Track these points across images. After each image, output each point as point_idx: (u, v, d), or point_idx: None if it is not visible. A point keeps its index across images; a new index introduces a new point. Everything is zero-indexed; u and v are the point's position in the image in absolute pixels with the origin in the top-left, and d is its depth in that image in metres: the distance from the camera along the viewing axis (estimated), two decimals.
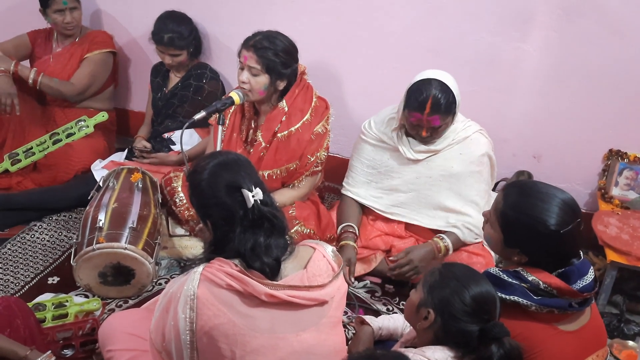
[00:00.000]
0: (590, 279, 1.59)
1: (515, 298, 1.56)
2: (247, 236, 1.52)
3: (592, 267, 1.63)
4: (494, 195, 2.55)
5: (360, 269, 2.49)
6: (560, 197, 1.59)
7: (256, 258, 1.51)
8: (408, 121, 2.32)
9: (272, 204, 1.59)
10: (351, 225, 2.47)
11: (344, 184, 2.63)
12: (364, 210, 2.58)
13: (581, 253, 1.65)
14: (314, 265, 1.58)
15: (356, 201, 2.56)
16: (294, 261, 1.58)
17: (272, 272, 1.52)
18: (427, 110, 2.23)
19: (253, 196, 1.52)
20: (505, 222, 1.62)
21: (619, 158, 2.71)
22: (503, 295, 1.56)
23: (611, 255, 2.40)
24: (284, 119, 2.43)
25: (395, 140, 2.43)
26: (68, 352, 2.06)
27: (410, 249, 2.39)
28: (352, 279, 2.43)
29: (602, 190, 2.75)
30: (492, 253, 2.37)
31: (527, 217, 1.57)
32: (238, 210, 1.52)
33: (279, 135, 2.44)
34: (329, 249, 1.65)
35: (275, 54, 2.31)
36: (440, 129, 2.31)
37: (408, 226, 2.54)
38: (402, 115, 2.34)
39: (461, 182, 2.41)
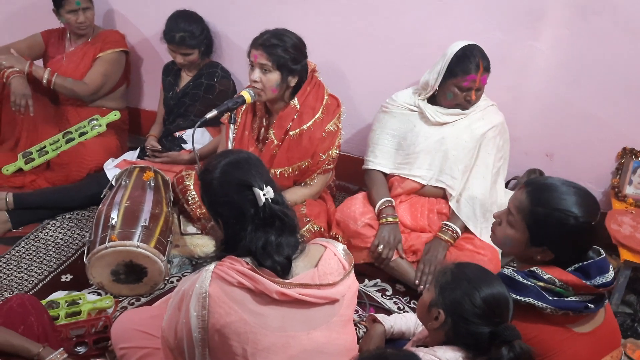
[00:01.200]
0: (610, 278, 1.57)
1: (530, 300, 1.54)
2: (259, 234, 1.52)
3: (612, 265, 1.62)
4: (508, 193, 2.56)
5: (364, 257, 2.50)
6: (580, 188, 1.60)
7: (267, 256, 1.52)
8: (458, 86, 2.44)
9: (283, 202, 1.60)
10: (390, 200, 2.50)
11: (368, 158, 2.64)
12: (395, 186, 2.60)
13: (600, 250, 1.64)
14: (325, 264, 1.58)
15: (382, 173, 2.60)
16: (305, 259, 1.59)
17: (283, 271, 1.53)
18: (480, 69, 2.40)
19: (264, 195, 1.52)
20: (532, 220, 1.60)
21: (633, 156, 2.68)
22: (517, 297, 1.55)
23: (625, 255, 2.38)
24: (295, 116, 2.43)
25: (422, 107, 2.52)
26: (81, 350, 2.07)
27: (427, 256, 2.42)
28: (404, 255, 2.47)
29: (616, 189, 2.72)
30: (497, 248, 2.37)
31: (557, 211, 1.55)
32: (249, 209, 1.53)
33: (290, 133, 2.44)
34: (340, 247, 1.65)
35: (284, 50, 2.32)
36: (482, 92, 2.47)
37: (430, 212, 2.54)
38: (442, 85, 2.47)
39: (483, 145, 2.50)
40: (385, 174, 2.61)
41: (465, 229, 2.48)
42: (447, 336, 1.53)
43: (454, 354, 1.49)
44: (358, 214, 2.49)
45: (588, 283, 1.54)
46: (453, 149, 2.49)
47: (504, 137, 2.56)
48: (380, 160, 2.60)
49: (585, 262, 1.58)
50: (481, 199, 2.47)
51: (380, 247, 2.42)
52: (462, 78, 2.41)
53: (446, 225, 2.46)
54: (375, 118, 2.66)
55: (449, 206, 2.51)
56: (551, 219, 1.57)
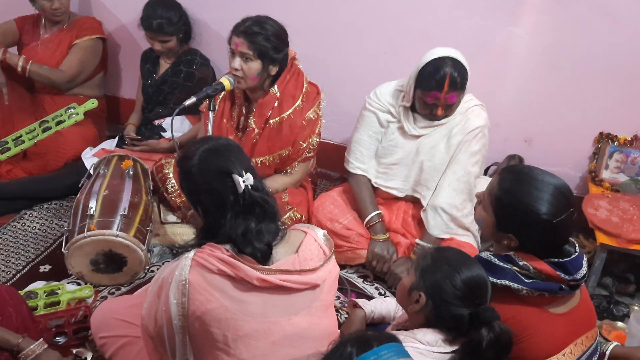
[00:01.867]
0: (583, 273, 1.60)
1: (506, 282, 1.57)
2: (239, 222, 1.51)
3: (585, 259, 1.63)
4: (486, 179, 2.58)
5: (346, 258, 2.50)
6: (555, 184, 1.58)
7: (247, 243, 1.51)
8: (422, 101, 2.32)
9: (263, 189, 1.58)
10: (379, 214, 2.46)
11: (350, 159, 2.56)
12: None
13: (576, 245, 1.65)
14: (306, 250, 1.58)
15: (367, 179, 2.53)
16: (285, 246, 1.59)
17: (263, 257, 1.53)
18: (445, 88, 2.24)
19: (244, 181, 1.51)
20: (498, 207, 1.62)
21: (610, 141, 2.72)
22: (494, 280, 1.57)
23: (601, 238, 2.42)
24: (276, 104, 2.42)
25: (402, 116, 2.43)
26: (61, 340, 2.06)
27: (393, 266, 2.41)
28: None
29: (593, 174, 2.76)
30: (477, 247, 2.41)
31: (520, 204, 1.57)
32: (229, 196, 1.52)
33: (270, 121, 2.43)
34: (320, 232, 1.66)
35: (266, 39, 2.30)
36: (454, 105, 2.33)
37: (406, 214, 2.53)
38: (412, 95, 2.34)
39: (455, 153, 2.39)
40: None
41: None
42: (427, 319, 1.55)
43: (434, 336, 1.51)
44: (337, 214, 2.49)
45: (562, 276, 1.56)
46: (428, 160, 2.42)
47: (480, 141, 2.42)
48: (364, 166, 2.53)
49: (563, 260, 1.59)
50: (447, 209, 2.38)
51: (374, 263, 2.43)
52: (425, 93, 2.28)
53: (419, 244, 2.42)
54: (360, 115, 2.58)
55: (418, 213, 2.48)
56: (514, 210, 1.58)
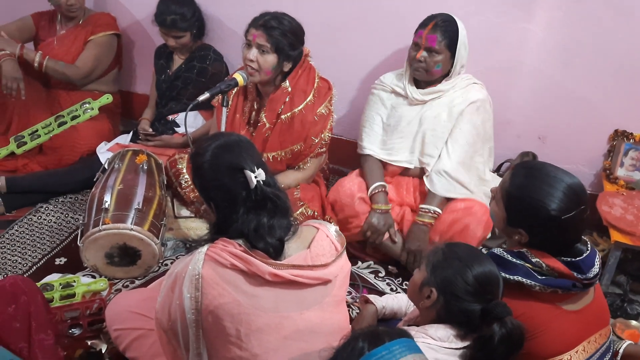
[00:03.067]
0: (596, 271, 1.58)
1: (519, 278, 1.56)
2: (251, 217, 1.53)
3: (597, 258, 1.61)
4: (494, 176, 2.58)
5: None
6: (567, 182, 1.56)
7: (260, 238, 1.52)
8: (411, 48, 2.45)
9: (274, 184, 1.59)
10: (383, 185, 2.50)
11: (360, 142, 2.63)
12: None
13: (588, 243, 1.64)
14: (317, 245, 1.59)
15: (376, 158, 2.59)
16: (297, 241, 1.60)
17: (275, 252, 1.54)
18: (429, 26, 2.38)
19: (255, 177, 1.52)
20: (508, 201, 1.61)
21: (625, 139, 2.70)
22: (507, 275, 1.57)
23: (615, 236, 2.41)
24: (287, 99, 2.43)
25: (406, 84, 2.52)
26: (76, 332, 2.09)
27: (411, 246, 2.44)
28: (396, 239, 2.49)
29: (607, 171, 2.74)
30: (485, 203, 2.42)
31: (530, 199, 1.56)
32: (241, 192, 1.53)
33: (282, 116, 2.43)
34: (332, 228, 1.66)
35: (283, 35, 2.31)
36: (435, 58, 2.39)
37: (415, 189, 2.55)
38: (408, 52, 2.47)
39: (457, 122, 2.46)
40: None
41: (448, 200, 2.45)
42: (439, 315, 1.54)
43: (445, 331, 1.51)
44: (355, 190, 2.51)
45: (575, 274, 1.55)
46: (431, 129, 2.48)
47: (482, 115, 2.49)
48: (371, 146, 2.59)
49: (576, 259, 1.57)
50: (450, 172, 2.42)
51: (368, 233, 2.46)
52: (415, 34, 2.42)
53: (422, 208, 2.43)
54: (368, 100, 2.66)
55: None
56: (524, 205, 1.58)
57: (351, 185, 2.53)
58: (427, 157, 2.50)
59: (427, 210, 2.42)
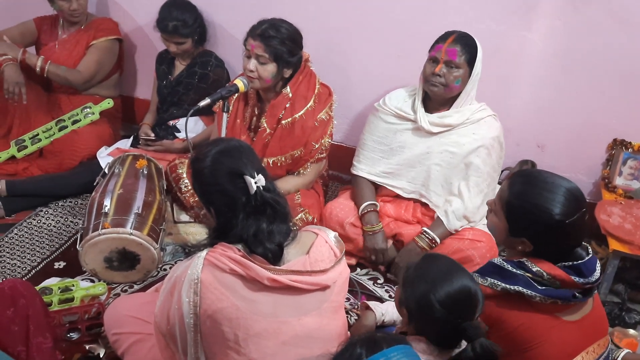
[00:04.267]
0: (597, 276, 1.58)
1: (519, 288, 1.55)
2: (250, 222, 1.53)
3: (598, 263, 1.61)
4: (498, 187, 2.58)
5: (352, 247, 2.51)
6: (566, 186, 1.57)
7: (259, 244, 1.53)
8: (427, 62, 2.37)
9: (274, 190, 1.60)
10: (374, 204, 2.48)
11: (354, 162, 2.61)
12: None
13: (589, 247, 1.64)
14: (316, 251, 1.60)
15: (369, 180, 2.56)
16: (296, 247, 1.60)
17: (274, 258, 1.54)
18: (449, 40, 2.31)
19: (255, 182, 1.53)
20: (509, 211, 1.61)
21: (623, 148, 2.70)
22: (507, 286, 1.55)
23: (614, 245, 2.41)
24: (287, 105, 2.44)
25: (415, 106, 2.44)
26: (74, 336, 2.08)
27: (400, 263, 2.43)
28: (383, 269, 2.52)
29: (606, 180, 2.75)
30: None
31: (532, 206, 1.56)
32: (240, 197, 1.53)
33: (283, 122, 2.44)
34: (332, 234, 1.67)
35: (281, 43, 2.32)
36: (454, 73, 2.31)
37: (415, 209, 2.54)
38: (423, 69, 2.38)
39: (473, 165, 2.39)
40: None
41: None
42: (417, 329, 1.53)
43: (426, 345, 1.49)
44: (343, 216, 2.51)
45: (575, 279, 1.54)
46: (437, 164, 2.42)
47: (497, 153, 2.45)
48: (365, 167, 2.56)
49: (577, 262, 1.58)
50: (470, 217, 2.40)
51: (373, 257, 2.47)
52: (431, 49, 2.36)
53: (425, 232, 2.41)
54: (367, 121, 2.62)
55: (430, 212, 2.48)
56: (525, 213, 1.57)
57: (338, 212, 2.53)
58: (432, 193, 2.45)
59: (427, 236, 2.40)
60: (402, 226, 2.52)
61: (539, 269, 1.56)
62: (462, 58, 2.31)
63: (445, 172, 2.43)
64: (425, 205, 2.51)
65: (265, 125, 2.47)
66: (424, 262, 1.56)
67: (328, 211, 2.56)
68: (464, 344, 1.49)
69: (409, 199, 2.55)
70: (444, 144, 2.42)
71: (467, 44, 2.32)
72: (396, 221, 2.54)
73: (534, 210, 1.55)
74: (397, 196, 2.56)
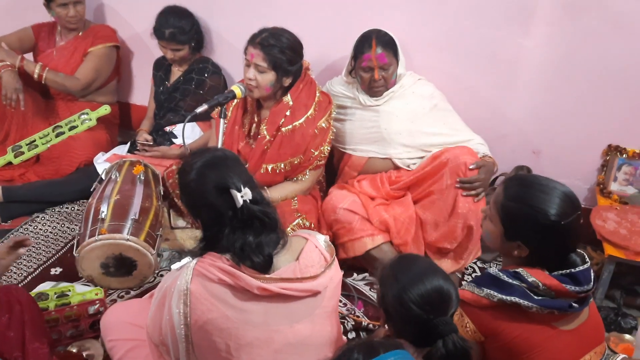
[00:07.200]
0: (592, 284, 1.59)
1: (516, 299, 1.54)
2: (237, 236, 1.51)
3: (592, 272, 1.62)
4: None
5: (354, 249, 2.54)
6: (561, 189, 1.58)
7: (246, 257, 1.51)
8: (361, 71, 2.52)
9: (262, 200, 1.57)
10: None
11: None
12: (346, 170, 2.71)
13: (585, 256, 1.64)
14: (306, 257, 1.59)
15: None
16: (286, 254, 1.59)
17: (263, 268, 1.53)
18: (373, 46, 2.46)
19: (242, 196, 1.51)
20: (505, 214, 1.61)
21: (618, 153, 2.71)
22: (503, 297, 1.55)
23: (609, 250, 2.42)
24: (288, 113, 2.44)
25: (357, 94, 2.61)
26: (74, 332, 2.11)
27: (482, 168, 2.48)
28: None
29: (601, 186, 2.76)
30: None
31: (528, 207, 1.56)
32: (227, 211, 1.52)
33: (283, 129, 2.45)
34: (322, 238, 1.66)
35: (281, 52, 2.33)
36: (389, 71, 2.51)
37: (389, 175, 2.63)
38: (354, 74, 2.57)
39: (421, 118, 2.57)
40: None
41: None
42: (395, 328, 1.54)
43: (413, 350, 1.47)
44: (335, 202, 2.54)
45: (570, 289, 1.54)
46: (386, 125, 2.58)
47: (439, 100, 2.64)
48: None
49: (573, 270, 1.58)
50: (477, 139, 2.60)
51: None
52: (360, 59, 2.50)
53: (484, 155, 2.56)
54: None
55: (402, 174, 2.61)
56: (521, 215, 1.58)
57: (330, 198, 2.58)
58: (391, 150, 2.60)
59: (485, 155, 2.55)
60: (394, 207, 2.56)
61: (534, 279, 1.56)
62: (390, 56, 2.50)
63: (394, 129, 2.57)
64: (397, 168, 2.62)
65: (265, 132, 2.48)
66: (394, 263, 1.57)
67: (323, 203, 2.61)
68: None
69: (377, 174, 2.65)
70: (390, 108, 2.58)
71: (387, 43, 2.49)
72: (383, 205, 2.58)
73: (529, 211, 1.56)
74: (372, 172, 2.67)
